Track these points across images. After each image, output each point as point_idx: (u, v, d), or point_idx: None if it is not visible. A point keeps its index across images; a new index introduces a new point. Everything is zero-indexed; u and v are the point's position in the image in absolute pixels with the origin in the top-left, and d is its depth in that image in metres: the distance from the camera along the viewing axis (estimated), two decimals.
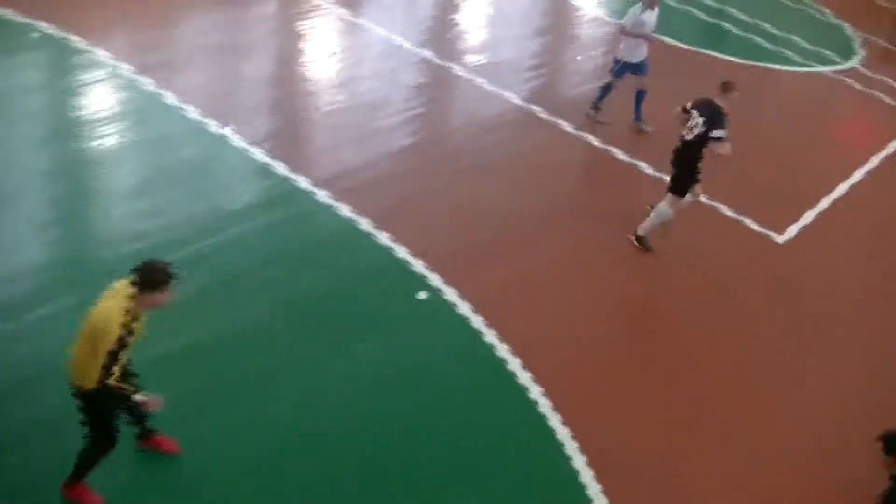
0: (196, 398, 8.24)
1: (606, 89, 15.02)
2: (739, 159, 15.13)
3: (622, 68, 14.83)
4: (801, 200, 14.27)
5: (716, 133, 11.23)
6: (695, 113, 11.44)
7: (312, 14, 16.46)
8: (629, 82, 14.91)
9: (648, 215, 12.04)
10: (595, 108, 15.12)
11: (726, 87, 11.39)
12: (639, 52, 14.73)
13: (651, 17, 14.60)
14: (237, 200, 11.19)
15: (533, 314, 10.38)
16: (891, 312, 12.36)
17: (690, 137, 11.40)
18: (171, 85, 13.17)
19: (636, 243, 12.01)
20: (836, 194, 14.87)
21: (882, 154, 16.86)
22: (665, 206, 11.72)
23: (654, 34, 14.72)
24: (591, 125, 14.86)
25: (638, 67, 14.84)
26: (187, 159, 11.76)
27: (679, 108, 11.87)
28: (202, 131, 12.36)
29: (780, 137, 16.62)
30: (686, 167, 11.55)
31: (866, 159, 16.45)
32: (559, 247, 11.82)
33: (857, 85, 19.56)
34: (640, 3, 14.56)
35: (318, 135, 13.14)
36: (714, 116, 11.25)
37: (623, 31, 14.66)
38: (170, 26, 15.07)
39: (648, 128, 15.08)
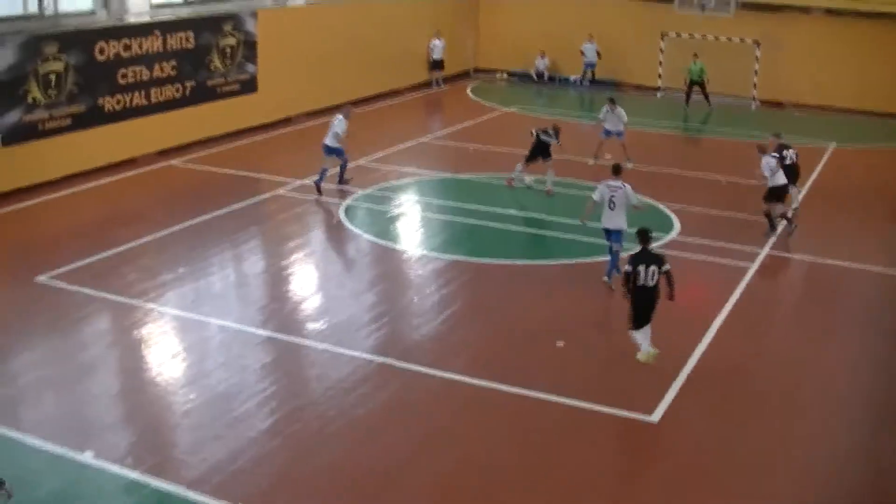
0: None
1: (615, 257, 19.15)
2: (589, 350, 16.23)
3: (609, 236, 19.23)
4: (662, 375, 15.33)
5: None
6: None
7: (146, 320, 17.25)
8: None
9: None
10: (609, 274, 19.30)
11: None
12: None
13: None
14: None
15: None
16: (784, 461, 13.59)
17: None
18: (17, 422, 13.76)
19: None
20: (694, 359, 16.32)
21: (726, 310, 18.51)
22: None
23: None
24: (445, 362, 15.81)
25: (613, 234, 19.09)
26: (50, 493, 12.26)
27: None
28: (60, 461, 12.89)
29: (616, 322, 17.58)
30: None
31: (713, 318, 18.05)
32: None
33: (682, 254, 21.02)
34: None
35: (178, 437, 13.76)
36: None
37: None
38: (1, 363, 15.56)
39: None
